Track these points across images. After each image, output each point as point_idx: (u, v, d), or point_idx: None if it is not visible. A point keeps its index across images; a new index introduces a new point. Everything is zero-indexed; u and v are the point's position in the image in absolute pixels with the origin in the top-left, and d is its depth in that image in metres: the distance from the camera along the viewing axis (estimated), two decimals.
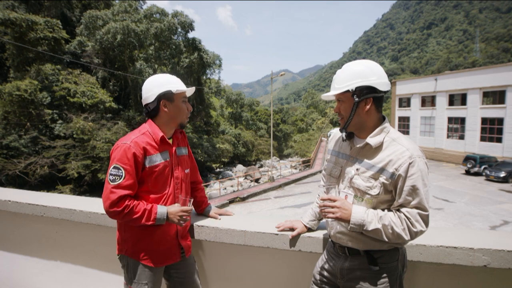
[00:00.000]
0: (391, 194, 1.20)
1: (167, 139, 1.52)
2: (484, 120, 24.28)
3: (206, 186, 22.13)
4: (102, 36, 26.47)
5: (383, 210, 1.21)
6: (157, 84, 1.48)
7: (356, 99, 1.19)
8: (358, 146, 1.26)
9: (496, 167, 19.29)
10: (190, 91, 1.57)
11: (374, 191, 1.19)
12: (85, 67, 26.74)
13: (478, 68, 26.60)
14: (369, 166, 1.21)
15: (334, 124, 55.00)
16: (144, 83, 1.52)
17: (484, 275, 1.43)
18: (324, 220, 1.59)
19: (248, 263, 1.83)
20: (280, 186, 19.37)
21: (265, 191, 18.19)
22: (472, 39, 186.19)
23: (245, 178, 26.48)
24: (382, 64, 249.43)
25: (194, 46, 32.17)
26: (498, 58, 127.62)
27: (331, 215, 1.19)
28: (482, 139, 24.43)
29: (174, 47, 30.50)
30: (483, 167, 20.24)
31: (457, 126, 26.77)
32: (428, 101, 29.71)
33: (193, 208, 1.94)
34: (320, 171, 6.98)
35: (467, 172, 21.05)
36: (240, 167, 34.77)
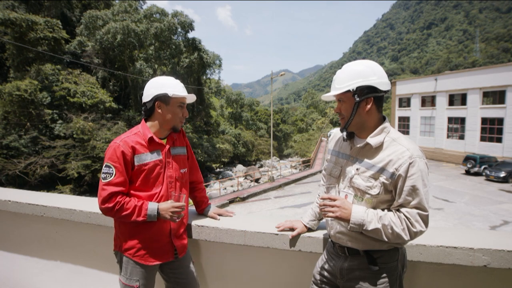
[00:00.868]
0: (391, 194, 1.20)
1: (158, 139, 1.53)
2: (484, 120, 24.28)
3: (206, 186, 22.12)
4: (102, 36, 26.48)
5: (383, 210, 1.21)
6: (156, 85, 1.51)
7: (357, 99, 1.19)
8: (358, 146, 1.26)
9: (496, 167, 19.29)
10: (190, 97, 1.57)
11: (374, 191, 1.19)
12: (85, 67, 26.74)
13: (478, 68, 26.60)
14: (369, 166, 1.21)
15: (334, 124, 55.02)
16: (147, 83, 1.57)
17: (484, 275, 1.43)
18: (324, 220, 1.59)
19: (248, 263, 1.83)
20: (280, 186, 19.37)
21: (265, 191, 18.19)
22: (472, 39, 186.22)
23: (245, 178, 26.48)
24: (382, 64, 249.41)
25: (194, 46, 32.18)
26: (498, 58, 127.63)
27: (331, 214, 1.20)
28: (482, 139, 24.43)
29: (174, 47, 30.50)
30: (483, 167, 20.24)
31: (457, 126, 26.77)
32: (428, 101, 29.70)
33: (195, 208, 1.94)
34: (320, 171, 6.98)
35: (467, 172, 21.05)
36: (240, 167, 34.77)
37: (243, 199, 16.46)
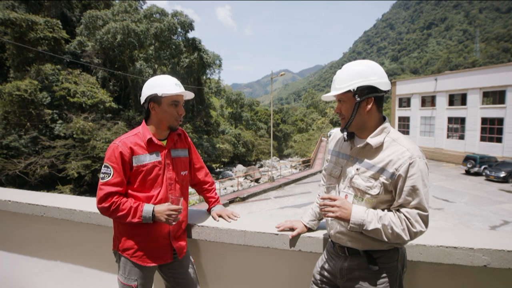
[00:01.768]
0: (391, 194, 1.20)
1: (157, 141, 1.53)
2: (484, 120, 24.28)
3: None
4: (102, 36, 26.49)
5: (383, 210, 1.21)
6: (148, 86, 1.52)
7: (358, 99, 1.19)
8: (358, 146, 1.26)
9: (496, 167, 19.29)
10: (183, 94, 1.56)
11: (374, 191, 1.19)
12: (85, 67, 26.75)
13: (478, 68, 26.60)
14: (369, 166, 1.21)
15: (334, 124, 55.02)
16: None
17: (484, 275, 1.43)
18: (324, 220, 1.59)
19: (248, 263, 1.83)
20: (280, 186, 19.38)
21: (265, 191, 18.20)
22: (472, 39, 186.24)
23: (245, 178, 26.48)
24: (382, 64, 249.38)
25: (194, 46, 32.19)
26: (498, 58, 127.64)
27: (331, 214, 1.20)
28: (482, 139, 24.43)
29: (174, 47, 30.52)
30: (483, 167, 20.24)
31: (457, 126, 26.77)
32: (428, 101, 29.71)
33: (196, 208, 1.94)
34: (320, 171, 6.98)
35: (467, 172, 21.05)
36: (240, 167, 34.77)
37: (243, 199, 16.46)
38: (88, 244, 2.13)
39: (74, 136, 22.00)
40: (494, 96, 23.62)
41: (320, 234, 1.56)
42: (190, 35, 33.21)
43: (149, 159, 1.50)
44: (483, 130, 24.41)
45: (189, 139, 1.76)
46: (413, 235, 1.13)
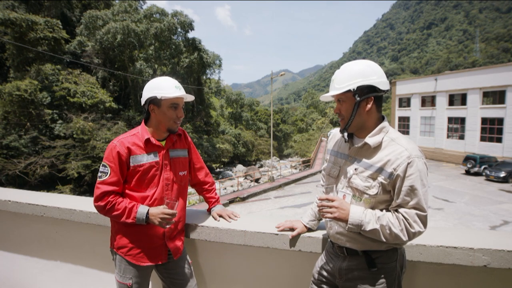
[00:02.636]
0: (390, 194, 1.19)
1: (155, 141, 1.54)
2: (484, 120, 24.28)
3: None
4: (102, 36, 26.48)
5: (381, 210, 1.20)
6: (148, 88, 1.52)
7: (358, 98, 1.19)
8: (357, 145, 1.25)
9: (496, 167, 19.29)
10: (184, 97, 1.55)
11: (373, 191, 1.19)
12: (85, 67, 26.74)
13: (478, 68, 26.60)
14: (368, 165, 1.20)
15: (334, 124, 54.98)
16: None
17: (484, 275, 1.43)
18: (323, 220, 1.59)
19: (248, 263, 1.83)
20: (280, 186, 19.38)
21: (265, 191, 18.20)
22: (472, 39, 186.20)
23: (245, 178, 26.48)
24: (382, 64, 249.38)
25: (194, 46, 32.19)
26: (498, 58, 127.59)
27: (329, 215, 1.19)
28: (482, 139, 24.44)
29: (174, 47, 30.51)
30: (483, 167, 20.24)
31: (457, 126, 26.77)
32: (428, 101, 29.71)
33: (194, 208, 1.94)
34: (320, 171, 6.97)
35: (467, 172, 21.06)
36: (240, 167, 34.76)
37: (243, 199, 16.46)
38: (88, 244, 2.13)
39: (74, 136, 22.00)
40: (494, 96, 23.63)
41: (319, 234, 1.56)
42: (190, 35, 33.25)
43: (146, 159, 1.50)
44: (483, 130, 24.41)
45: (189, 139, 1.75)
46: (412, 235, 1.12)
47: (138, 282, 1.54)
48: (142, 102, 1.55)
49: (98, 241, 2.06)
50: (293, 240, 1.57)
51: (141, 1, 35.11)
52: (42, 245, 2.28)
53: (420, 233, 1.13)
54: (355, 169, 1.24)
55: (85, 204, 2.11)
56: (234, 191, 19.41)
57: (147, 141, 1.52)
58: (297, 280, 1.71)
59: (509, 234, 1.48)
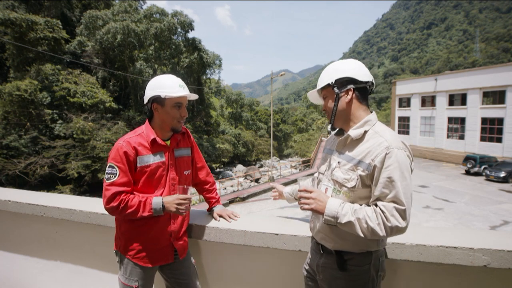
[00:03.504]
0: (370, 189, 1.16)
1: (161, 141, 1.52)
2: (484, 120, 24.28)
3: None
4: (102, 36, 26.48)
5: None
6: (151, 87, 1.50)
7: (337, 90, 1.22)
8: (341, 138, 1.27)
9: (496, 167, 19.29)
10: (187, 96, 1.53)
11: (351, 184, 1.17)
12: (85, 67, 26.74)
13: (478, 68, 26.60)
14: (350, 158, 1.20)
15: None
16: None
17: (484, 275, 1.43)
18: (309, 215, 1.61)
19: (248, 263, 1.83)
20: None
21: (265, 191, 18.20)
22: (472, 39, 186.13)
23: (245, 178, 26.48)
24: (382, 64, 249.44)
25: (194, 46, 32.20)
26: (498, 58, 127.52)
27: (306, 206, 1.20)
28: (482, 139, 24.44)
29: (174, 47, 30.51)
30: (483, 167, 20.25)
31: (457, 126, 26.77)
32: (428, 101, 29.71)
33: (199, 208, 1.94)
34: None
35: (467, 172, 21.06)
36: (240, 167, 34.77)
37: (243, 199, 16.46)
38: (88, 244, 2.13)
39: (74, 136, 22.00)
40: (494, 96, 23.63)
41: None
42: (190, 35, 33.25)
43: (153, 159, 1.49)
44: (483, 130, 24.41)
45: (192, 137, 1.75)
46: (389, 230, 1.07)
47: (143, 284, 1.53)
48: (145, 100, 1.52)
49: (98, 241, 2.07)
50: (293, 240, 1.57)
51: (141, 1, 35.12)
52: (42, 245, 2.28)
53: (398, 228, 1.06)
54: (338, 162, 1.25)
55: (85, 204, 2.11)
56: (234, 191, 19.42)
57: (153, 141, 1.50)
58: (297, 280, 1.71)
59: (509, 234, 1.48)
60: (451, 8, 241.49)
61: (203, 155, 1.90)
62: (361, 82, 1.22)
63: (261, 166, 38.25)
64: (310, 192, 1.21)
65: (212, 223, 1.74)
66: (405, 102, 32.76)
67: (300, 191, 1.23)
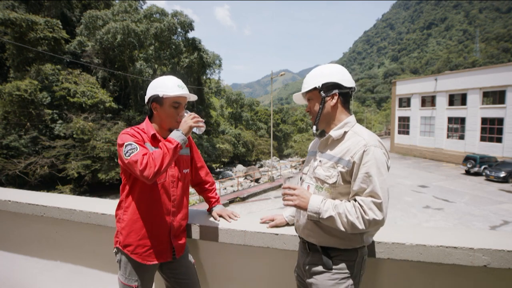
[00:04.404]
0: (350, 185, 1.23)
1: (160, 137, 1.55)
2: (484, 120, 24.29)
3: None
4: (102, 36, 26.47)
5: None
6: (151, 87, 1.53)
7: (323, 94, 1.29)
8: (322, 139, 1.34)
9: (496, 167, 19.30)
10: (186, 96, 1.54)
11: (332, 180, 1.24)
12: (85, 67, 26.74)
13: (478, 68, 26.61)
14: (330, 157, 1.27)
15: None
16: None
17: (484, 275, 1.43)
18: (294, 214, 1.63)
19: (248, 263, 1.83)
20: (280, 186, 19.37)
21: (265, 191, 18.21)
22: (472, 39, 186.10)
23: (245, 178, 26.47)
24: (382, 64, 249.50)
25: (194, 46, 32.19)
26: (498, 58, 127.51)
27: (290, 202, 1.26)
28: (482, 139, 24.45)
29: (174, 47, 30.50)
30: (483, 167, 20.26)
31: (457, 126, 26.78)
32: (428, 101, 29.72)
33: (198, 208, 1.94)
34: None
35: (467, 172, 21.07)
36: (240, 167, 34.75)
37: (243, 199, 16.46)
38: (88, 244, 2.13)
39: (74, 136, 21.99)
40: (494, 96, 23.64)
41: None
42: (190, 35, 33.24)
43: (153, 151, 1.49)
44: (483, 130, 24.42)
45: (190, 137, 1.76)
46: (367, 223, 1.12)
47: (143, 284, 1.54)
48: (146, 100, 1.56)
49: (98, 241, 2.07)
50: (292, 240, 1.57)
51: (141, 1, 35.11)
52: (42, 245, 2.28)
53: (376, 221, 1.12)
54: (320, 160, 1.32)
55: (85, 204, 2.11)
56: (234, 191, 19.42)
57: (153, 136, 1.52)
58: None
59: (509, 234, 1.48)
60: (451, 8, 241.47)
61: (203, 155, 1.90)
62: (346, 88, 1.30)
63: (261, 166, 38.24)
64: (294, 189, 1.26)
65: (212, 223, 1.75)
66: (405, 102, 32.77)
67: (284, 188, 1.30)
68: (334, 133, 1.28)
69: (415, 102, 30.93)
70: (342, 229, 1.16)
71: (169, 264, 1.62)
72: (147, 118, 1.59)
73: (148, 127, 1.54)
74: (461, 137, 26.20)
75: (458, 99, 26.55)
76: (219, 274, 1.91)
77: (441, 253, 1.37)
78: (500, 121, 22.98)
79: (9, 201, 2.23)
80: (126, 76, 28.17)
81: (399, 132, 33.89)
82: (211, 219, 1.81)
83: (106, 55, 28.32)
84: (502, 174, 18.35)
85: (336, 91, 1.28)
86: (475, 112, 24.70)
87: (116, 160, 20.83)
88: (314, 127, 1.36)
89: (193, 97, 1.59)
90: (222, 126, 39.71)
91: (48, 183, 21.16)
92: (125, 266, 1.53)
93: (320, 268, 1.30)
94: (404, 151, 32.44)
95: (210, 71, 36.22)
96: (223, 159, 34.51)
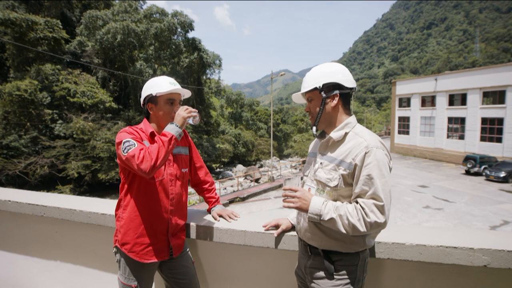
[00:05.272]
0: (352, 188, 1.21)
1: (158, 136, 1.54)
2: (484, 120, 24.28)
3: None
4: (102, 36, 26.48)
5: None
6: (145, 88, 1.55)
7: (324, 95, 1.26)
8: (323, 141, 1.32)
9: (496, 167, 19.29)
10: (179, 92, 1.55)
11: (333, 183, 1.22)
12: (85, 67, 26.75)
13: (478, 68, 26.59)
14: (332, 159, 1.25)
15: None
16: None
17: (484, 275, 1.43)
18: (295, 216, 1.60)
19: (248, 263, 1.83)
20: (280, 186, 19.37)
21: (265, 191, 18.21)
22: (472, 39, 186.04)
23: (245, 178, 26.47)
24: (382, 64, 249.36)
25: (194, 46, 32.20)
26: (498, 58, 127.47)
27: (291, 204, 1.23)
28: (482, 139, 24.44)
29: (174, 47, 30.51)
30: (483, 167, 20.25)
31: (457, 126, 26.77)
32: (428, 101, 29.71)
33: (196, 208, 1.94)
34: None
35: (467, 172, 21.06)
36: (240, 167, 34.75)
37: (243, 199, 16.46)
38: (88, 244, 2.13)
39: (74, 136, 22.00)
40: (494, 96, 23.63)
41: None
42: (190, 35, 33.25)
43: None
44: (483, 130, 24.41)
45: (189, 137, 1.77)
46: (369, 225, 1.10)
47: (142, 284, 1.54)
48: (141, 101, 1.57)
49: (98, 241, 2.07)
50: (293, 240, 1.57)
51: (141, 1, 35.13)
52: (42, 245, 2.28)
53: (377, 223, 1.10)
54: (321, 163, 1.30)
55: (85, 204, 2.11)
56: (234, 191, 19.41)
57: (152, 134, 1.53)
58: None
59: (509, 234, 1.48)
60: (451, 8, 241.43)
61: (203, 155, 1.90)
62: (347, 88, 1.27)
63: (261, 166, 38.23)
64: (295, 191, 1.24)
65: (212, 223, 1.74)
66: (405, 102, 32.76)
67: (285, 189, 1.27)
68: (334, 134, 1.26)
69: (415, 102, 30.92)
70: (343, 231, 1.14)
71: (169, 264, 1.62)
72: (145, 119, 1.61)
73: (146, 126, 1.56)
74: (461, 137, 26.19)
75: (458, 99, 26.54)
76: (219, 274, 1.91)
77: (441, 253, 1.37)
78: (500, 121, 22.97)
79: (9, 201, 2.23)
80: (126, 76, 28.18)
81: (399, 132, 33.89)
82: (211, 219, 1.81)
83: (106, 55, 28.32)
84: (502, 174, 18.34)
85: (337, 91, 1.25)
86: (475, 112, 24.70)
87: (115, 160, 20.84)
88: (314, 128, 1.33)
89: (187, 93, 1.60)
90: (222, 126, 39.72)
91: (48, 183, 21.16)
92: (124, 266, 1.53)
93: (322, 273, 1.27)
94: (404, 151, 32.45)
95: (210, 71, 36.26)
96: (223, 159, 34.52)
